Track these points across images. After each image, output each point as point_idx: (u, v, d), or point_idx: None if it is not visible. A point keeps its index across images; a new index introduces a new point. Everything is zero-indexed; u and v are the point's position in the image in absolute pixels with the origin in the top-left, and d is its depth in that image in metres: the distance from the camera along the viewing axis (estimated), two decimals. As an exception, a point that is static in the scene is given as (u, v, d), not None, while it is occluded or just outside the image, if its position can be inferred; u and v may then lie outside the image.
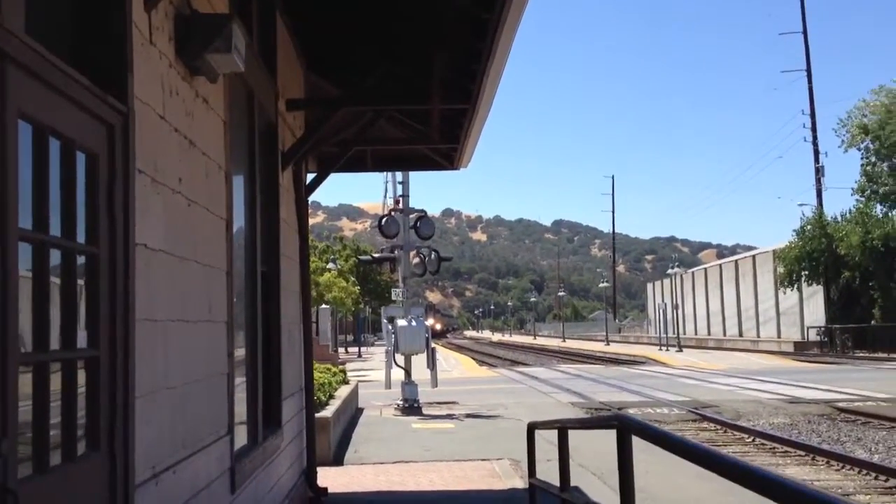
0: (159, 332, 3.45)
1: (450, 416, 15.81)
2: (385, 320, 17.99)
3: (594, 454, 9.05)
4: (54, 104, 2.56)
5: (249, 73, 5.01)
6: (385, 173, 18.27)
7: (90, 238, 2.87)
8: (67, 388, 2.74)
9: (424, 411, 16.39)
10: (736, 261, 70.45)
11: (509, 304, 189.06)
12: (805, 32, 57.98)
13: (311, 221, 8.84)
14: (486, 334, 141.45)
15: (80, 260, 2.86)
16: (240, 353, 5.26)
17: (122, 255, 3.03)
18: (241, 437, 5.14)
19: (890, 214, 51.06)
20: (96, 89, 2.84)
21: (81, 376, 2.85)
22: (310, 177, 8.42)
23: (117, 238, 3.01)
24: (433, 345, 17.71)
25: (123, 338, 3.04)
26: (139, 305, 3.14)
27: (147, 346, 3.26)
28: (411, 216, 16.98)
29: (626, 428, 3.36)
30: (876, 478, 9.88)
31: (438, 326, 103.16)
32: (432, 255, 17.17)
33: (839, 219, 51.06)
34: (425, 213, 17.20)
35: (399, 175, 17.33)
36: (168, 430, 3.57)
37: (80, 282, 2.85)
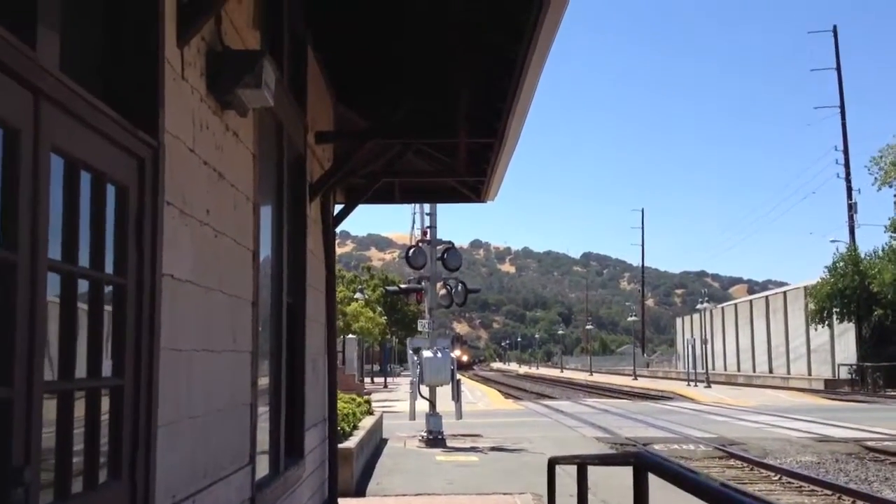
0: (183, 362, 3.49)
1: (474, 449, 15.70)
2: (410, 351, 17.99)
3: (616, 489, 8.93)
4: (86, 139, 2.63)
5: (279, 106, 5.10)
6: (413, 205, 18.38)
7: (118, 269, 2.93)
8: (91, 417, 2.78)
9: (449, 443, 16.29)
10: (766, 297, 69.60)
11: (537, 336, 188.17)
12: (839, 68, 57.69)
13: (340, 251, 8.93)
14: (513, 366, 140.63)
15: (108, 289, 2.91)
16: (264, 382, 5.29)
17: (149, 285, 3.09)
18: (262, 467, 5.15)
19: (925, 252, 50.23)
20: (127, 124, 2.91)
21: (105, 404, 2.89)
22: (337, 208, 8.51)
23: (145, 269, 3.06)
24: (458, 376, 17.64)
25: (148, 367, 3.08)
26: (164, 335, 3.19)
27: (171, 376, 3.30)
28: (438, 247, 17.03)
29: (642, 465, 3.35)
30: (906, 520, 9.66)
31: (465, 358, 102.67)
32: (459, 287, 17.18)
33: (872, 256, 50.37)
34: (452, 244, 17.24)
35: (427, 206, 17.42)
36: (189, 459, 3.59)
37: (108, 307, 2.91)
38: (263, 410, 5.24)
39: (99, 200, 2.78)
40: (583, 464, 5.41)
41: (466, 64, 6.82)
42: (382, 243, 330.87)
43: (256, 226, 4.80)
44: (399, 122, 7.73)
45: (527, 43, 5.53)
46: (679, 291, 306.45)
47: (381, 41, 6.82)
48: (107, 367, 2.90)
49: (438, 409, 16.79)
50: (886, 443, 17.01)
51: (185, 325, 3.51)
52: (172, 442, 3.33)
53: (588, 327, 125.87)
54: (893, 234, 51.58)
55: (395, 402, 28.34)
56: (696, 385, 49.24)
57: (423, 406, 17.13)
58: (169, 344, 3.26)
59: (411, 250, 17.21)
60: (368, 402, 18.05)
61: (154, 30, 3.17)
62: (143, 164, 3.07)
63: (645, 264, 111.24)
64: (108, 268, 2.87)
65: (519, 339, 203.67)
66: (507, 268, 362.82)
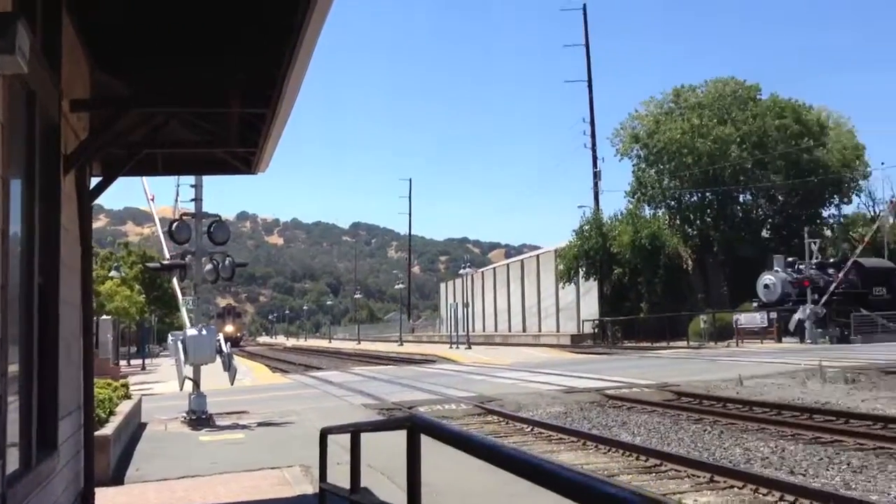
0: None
1: (240, 426, 15.47)
2: (171, 340, 17.31)
3: (387, 455, 9.22)
4: None
5: (32, 72, 4.74)
6: (177, 177, 17.60)
7: None
8: None
9: (214, 422, 15.95)
10: (522, 260, 74.28)
11: (305, 307, 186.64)
12: (587, 45, 62.35)
13: (93, 226, 8.41)
14: (281, 339, 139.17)
15: None
16: (13, 370, 4.95)
17: None
18: (13, 461, 4.85)
19: (657, 215, 56.20)
20: None
21: None
22: (95, 181, 8.00)
23: None
24: (226, 349, 17.15)
25: None
26: None
27: None
28: (205, 221, 16.44)
29: (416, 428, 3.58)
30: (637, 458, 10.81)
31: (239, 333, 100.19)
32: (226, 261, 16.72)
33: (613, 219, 55.42)
34: (220, 217, 16.71)
35: (192, 178, 16.75)
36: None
37: None
38: (13, 401, 4.91)
39: None
40: (356, 431, 5.47)
41: (238, 31, 6.64)
42: (140, 217, 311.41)
43: (5, 202, 4.45)
44: (163, 90, 7.38)
45: (303, 9, 5.48)
46: (443, 258, 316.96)
47: (146, 3, 6.47)
48: None
49: (204, 387, 16.35)
50: (623, 390, 19.10)
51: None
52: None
53: (356, 296, 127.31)
54: (632, 199, 57.16)
55: (154, 384, 27.20)
56: (458, 347, 51.68)
57: (188, 385, 16.62)
58: None
59: (174, 224, 16.48)
60: (126, 385, 17.20)
61: None
62: None
63: (412, 233, 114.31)
64: None
65: (287, 312, 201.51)
66: (275, 240, 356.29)
